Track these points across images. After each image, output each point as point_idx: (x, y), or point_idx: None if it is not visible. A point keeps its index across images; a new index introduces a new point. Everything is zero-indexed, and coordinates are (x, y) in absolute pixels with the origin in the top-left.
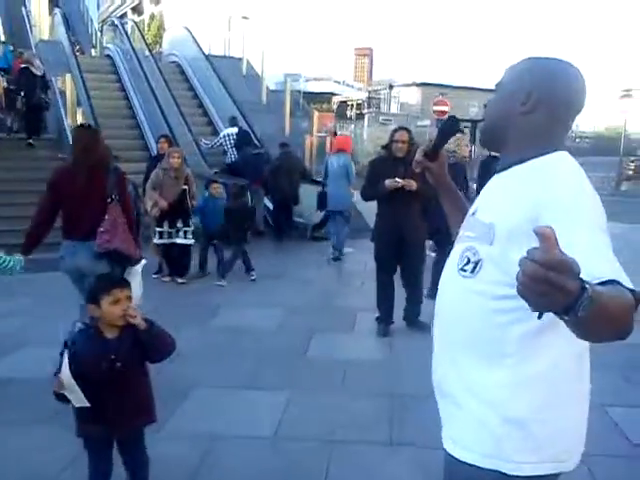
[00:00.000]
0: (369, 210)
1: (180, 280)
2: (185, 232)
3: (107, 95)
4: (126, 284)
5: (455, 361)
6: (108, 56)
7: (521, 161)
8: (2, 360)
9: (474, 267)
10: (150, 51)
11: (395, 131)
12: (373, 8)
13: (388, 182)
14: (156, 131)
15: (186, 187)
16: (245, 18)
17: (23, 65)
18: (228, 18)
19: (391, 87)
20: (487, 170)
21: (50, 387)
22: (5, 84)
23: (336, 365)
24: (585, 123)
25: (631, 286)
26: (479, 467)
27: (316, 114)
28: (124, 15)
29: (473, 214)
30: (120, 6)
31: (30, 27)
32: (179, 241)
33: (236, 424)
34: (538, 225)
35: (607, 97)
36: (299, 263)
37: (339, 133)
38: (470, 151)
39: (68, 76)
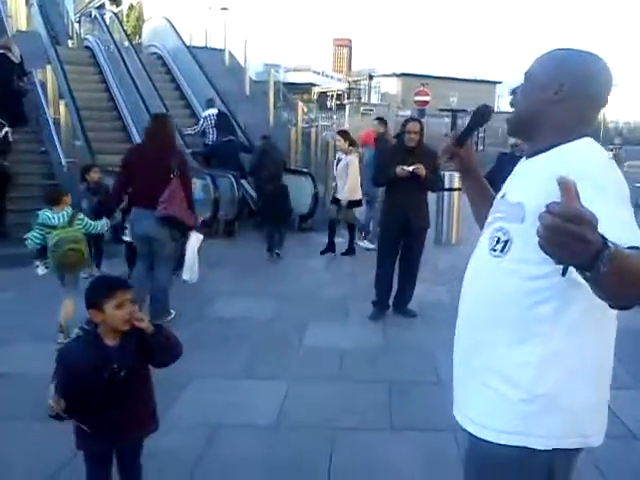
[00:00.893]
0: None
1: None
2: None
3: (88, 87)
4: (127, 286)
5: (482, 341)
6: (87, 47)
7: (550, 147)
8: None
9: (504, 246)
10: (130, 42)
11: (407, 122)
12: None
13: (399, 169)
14: (139, 123)
15: None
16: (224, 9)
17: (0, 51)
18: (207, 9)
19: (371, 77)
20: (501, 165)
21: (42, 384)
22: None
23: (332, 353)
24: None
25: None
26: (505, 445)
27: (300, 105)
28: (102, 6)
29: (502, 197)
30: None
31: (5, 17)
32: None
33: (236, 414)
34: (561, 175)
35: None
36: (289, 253)
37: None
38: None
39: (49, 67)
